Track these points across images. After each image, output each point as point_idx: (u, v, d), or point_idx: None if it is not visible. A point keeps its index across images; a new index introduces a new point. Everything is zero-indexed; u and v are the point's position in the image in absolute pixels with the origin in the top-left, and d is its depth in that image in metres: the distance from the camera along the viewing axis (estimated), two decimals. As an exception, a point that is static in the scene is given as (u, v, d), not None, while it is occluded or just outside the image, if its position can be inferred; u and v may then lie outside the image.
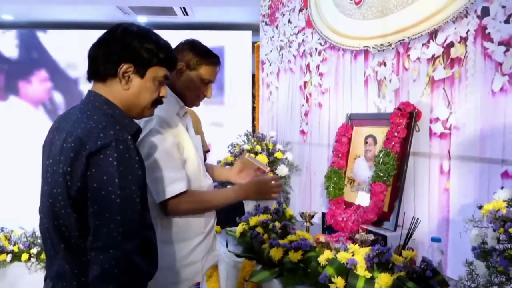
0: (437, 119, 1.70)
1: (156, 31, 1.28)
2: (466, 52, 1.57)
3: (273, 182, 1.57)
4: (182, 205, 1.46)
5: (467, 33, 1.57)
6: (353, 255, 1.45)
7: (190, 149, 1.53)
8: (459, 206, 1.60)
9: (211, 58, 1.58)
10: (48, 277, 1.19)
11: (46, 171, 1.16)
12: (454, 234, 1.61)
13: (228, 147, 2.72)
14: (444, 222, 1.66)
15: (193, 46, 1.58)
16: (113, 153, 1.05)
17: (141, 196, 1.11)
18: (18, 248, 3.04)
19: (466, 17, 1.57)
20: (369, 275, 1.38)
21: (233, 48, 5.52)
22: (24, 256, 2.99)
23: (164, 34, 1.30)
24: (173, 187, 1.43)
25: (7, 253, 3.00)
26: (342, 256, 1.44)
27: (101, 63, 1.17)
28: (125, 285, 1.05)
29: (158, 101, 1.27)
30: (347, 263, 1.41)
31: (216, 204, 1.58)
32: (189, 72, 1.55)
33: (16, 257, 2.99)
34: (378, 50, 2.00)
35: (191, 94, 1.57)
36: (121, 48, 1.17)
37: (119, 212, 1.04)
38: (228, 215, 2.12)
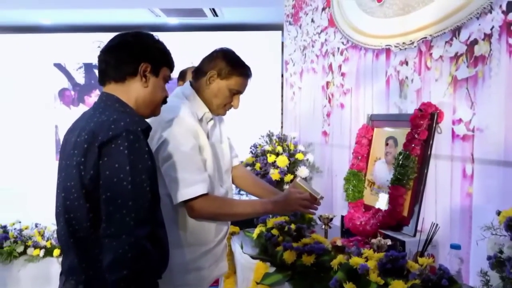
0: (460, 120, 1.62)
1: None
2: (491, 49, 1.49)
3: (298, 195, 1.53)
4: (205, 208, 1.46)
5: (491, 29, 1.49)
6: (366, 260, 1.41)
7: (207, 154, 1.54)
8: (482, 212, 1.52)
9: (243, 69, 1.58)
10: (62, 272, 1.24)
11: (61, 170, 1.21)
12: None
13: (250, 148, 2.72)
14: (466, 228, 1.58)
15: (226, 55, 1.58)
16: (124, 143, 1.09)
17: (151, 187, 1.14)
18: (51, 243, 3.16)
19: (491, 12, 1.49)
20: (381, 281, 1.34)
21: (263, 49, 5.52)
22: (56, 252, 3.10)
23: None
24: (192, 189, 1.43)
25: (40, 248, 3.11)
26: (354, 261, 1.40)
27: (122, 63, 1.23)
28: (139, 271, 1.07)
29: (165, 99, 1.34)
30: (358, 268, 1.37)
31: (240, 212, 1.57)
32: (219, 80, 1.55)
33: (48, 252, 3.11)
34: (400, 49, 1.94)
35: (218, 102, 1.57)
36: (141, 48, 1.25)
37: (131, 198, 1.08)
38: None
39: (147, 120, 1.29)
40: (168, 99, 1.54)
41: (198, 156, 1.48)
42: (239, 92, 1.59)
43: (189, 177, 1.43)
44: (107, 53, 1.26)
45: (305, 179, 2.49)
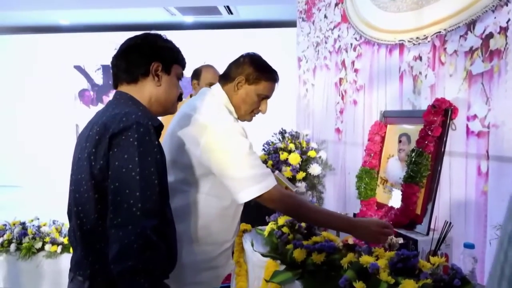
0: (475, 116, 1.58)
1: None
2: (506, 43, 1.45)
3: (381, 229, 1.51)
4: (279, 197, 1.46)
5: (507, 22, 1.44)
6: (377, 259, 1.39)
7: None
8: (498, 210, 1.48)
9: (271, 74, 1.58)
10: (71, 268, 1.26)
11: (73, 166, 1.23)
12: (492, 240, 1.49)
13: (263, 145, 2.71)
14: (481, 227, 1.54)
15: (253, 60, 1.58)
16: (134, 134, 1.11)
17: (159, 181, 1.15)
18: (68, 240, 3.22)
19: (507, 5, 1.45)
20: (392, 280, 1.31)
21: (278, 46, 5.50)
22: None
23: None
24: (267, 182, 1.43)
25: (58, 244, 3.17)
26: (364, 260, 1.38)
27: (133, 65, 1.26)
28: (145, 262, 1.07)
29: (180, 97, 1.35)
30: (368, 267, 1.35)
31: (316, 217, 1.54)
32: (247, 86, 1.55)
33: (65, 248, 3.16)
34: (414, 44, 1.90)
35: (246, 108, 1.58)
36: (149, 48, 1.27)
37: (139, 189, 1.08)
38: (259, 213, 2.11)
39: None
40: (197, 101, 1.55)
41: (256, 153, 1.50)
42: (267, 97, 1.59)
43: (259, 171, 1.43)
44: (118, 57, 1.29)
45: (316, 177, 2.47)
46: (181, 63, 1.34)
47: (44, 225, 3.26)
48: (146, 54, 1.26)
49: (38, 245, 3.08)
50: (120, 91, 1.27)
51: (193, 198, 1.47)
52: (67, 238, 3.22)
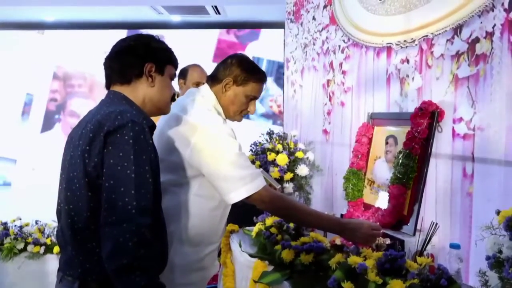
0: (461, 119, 1.61)
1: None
2: (492, 48, 1.48)
3: (371, 231, 1.53)
4: (269, 197, 1.46)
5: (493, 27, 1.47)
6: (365, 260, 1.40)
7: None
8: (482, 212, 1.50)
9: (259, 75, 1.58)
10: (59, 268, 1.24)
11: (64, 165, 1.22)
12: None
13: (250, 146, 2.71)
14: (467, 228, 1.57)
15: (241, 61, 1.58)
16: (129, 132, 1.11)
17: (153, 179, 1.14)
18: (51, 240, 3.16)
19: (493, 10, 1.48)
20: (380, 281, 1.33)
21: (267, 46, 5.51)
22: (56, 249, 3.10)
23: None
24: (257, 182, 1.43)
25: (41, 245, 3.11)
26: (353, 260, 1.39)
27: (127, 67, 1.26)
28: (139, 260, 1.06)
29: (173, 97, 1.36)
30: (357, 268, 1.36)
31: (304, 219, 1.57)
32: (236, 87, 1.55)
33: (48, 249, 3.10)
34: (401, 47, 1.93)
35: (235, 109, 1.58)
36: (143, 49, 1.27)
37: (134, 187, 1.08)
38: (246, 214, 2.11)
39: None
40: (186, 101, 1.54)
41: (245, 154, 1.50)
42: (256, 97, 1.60)
43: (248, 172, 1.43)
44: (111, 59, 1.29)
45: (305, 177, 2.48)
46: (174, 63, 1.34)
47: (26, 225, 3.20)
48: (140, 55, 1.26)
49: (20, 245, 3.02)
50: (113, 91, 1.27)
51: (182, 199, 1.46)
52: (50, 238, 3.16)
